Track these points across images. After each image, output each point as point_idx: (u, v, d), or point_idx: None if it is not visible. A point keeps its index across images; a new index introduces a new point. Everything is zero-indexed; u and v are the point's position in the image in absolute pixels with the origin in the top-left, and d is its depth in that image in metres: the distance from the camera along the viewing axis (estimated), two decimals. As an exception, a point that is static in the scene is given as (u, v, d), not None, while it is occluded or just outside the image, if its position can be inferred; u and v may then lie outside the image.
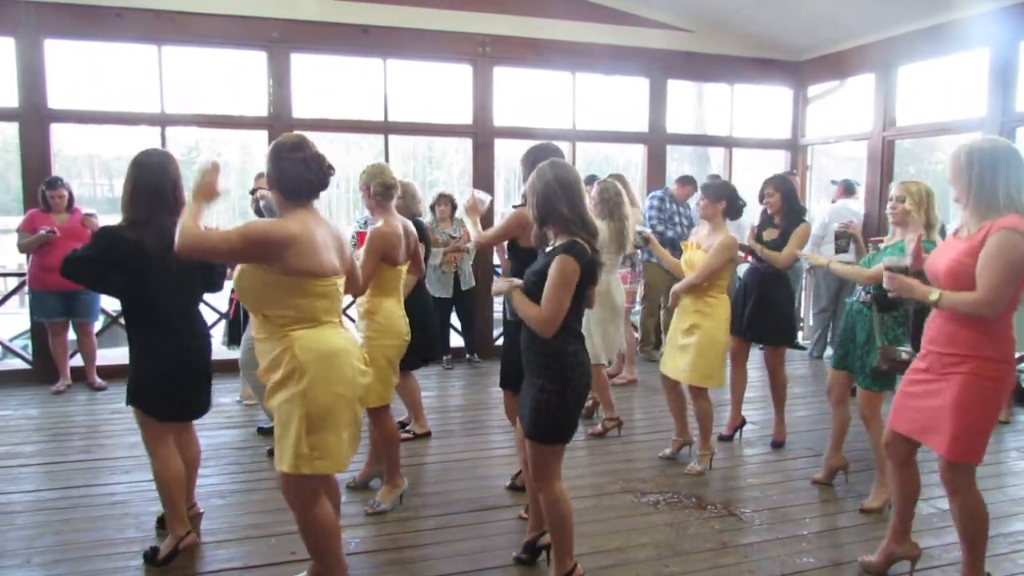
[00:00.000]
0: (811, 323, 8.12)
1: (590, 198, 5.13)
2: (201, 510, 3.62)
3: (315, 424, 2.60)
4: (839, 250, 4.26)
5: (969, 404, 2.71)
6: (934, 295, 2.73)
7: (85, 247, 3.17)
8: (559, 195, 2.78)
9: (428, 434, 5.06)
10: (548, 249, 2.85)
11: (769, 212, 4.75)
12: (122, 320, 6.83)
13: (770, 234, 4.73)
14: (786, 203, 4.68)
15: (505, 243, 4.00)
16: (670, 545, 3.49)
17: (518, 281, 2.86)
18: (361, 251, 3.65)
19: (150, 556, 3.24)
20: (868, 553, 3.30)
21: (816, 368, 7.41)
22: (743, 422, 5.08)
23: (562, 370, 2.78)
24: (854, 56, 7.74)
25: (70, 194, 6.02)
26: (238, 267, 2.69)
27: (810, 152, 8.85)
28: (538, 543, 3.24)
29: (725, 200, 4.37)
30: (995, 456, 4.73)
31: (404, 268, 3.90)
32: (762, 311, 4.79)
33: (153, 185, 3.13)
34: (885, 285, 2.95)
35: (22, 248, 5.98)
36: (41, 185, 5.96)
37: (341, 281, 2.81)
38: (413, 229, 3.97)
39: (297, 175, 2.65)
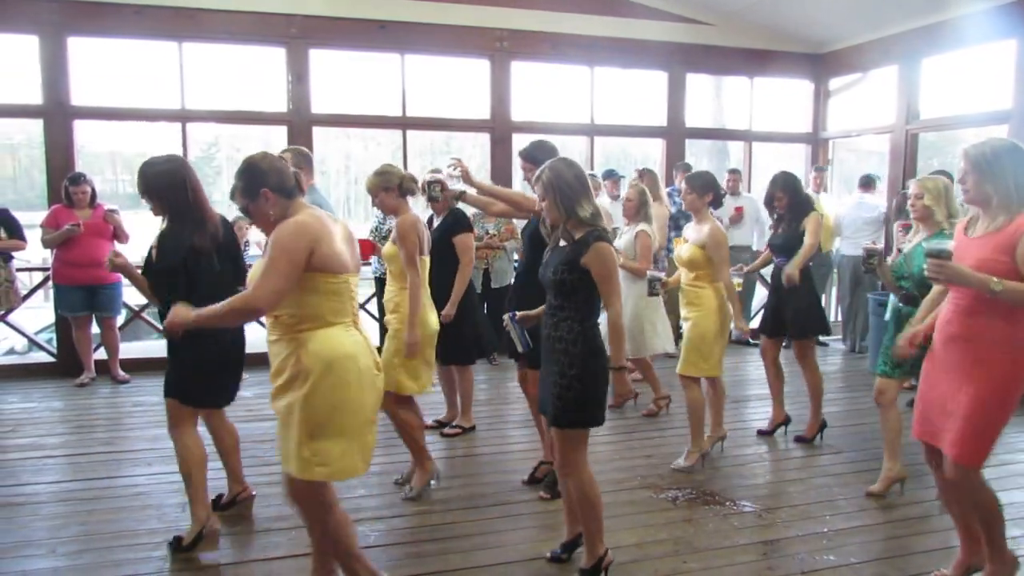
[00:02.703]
0: (839, 317, 8.06)
1: (602, 194, 5.18)
2: (253, 492, 3.77)
3: (315, 430, 2.53)
4: (867, 270, 4.01)
5: (988, 408, 2.67)
6: (996, 285, 2.51)
7: (164, 260, 3.18)
8: (580, 191, 2.90)
9: (473, 428, 5.10)
10: (574, 240, 2.89)
11: (779, 212, 4.76)
12: (145, 314, 6.99)
13: (782, 228, 4.77)
14: (792, 198, 4.68)
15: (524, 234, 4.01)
16: (688, 541, 3.48)
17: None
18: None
19: (174, 545, 3.29)
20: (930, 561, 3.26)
21: (848, 363, 7.33)
22: (787, 419, 4.98)
23: (583, 355, 2.86)
24: (876, 48, 7.63)
25: (93, 190, 6.08)
26: (254, 264, 2.67)
27: (831, 146, 8.75)
28: (580, 539, 3.17)
29: (712, 192, 4.37)
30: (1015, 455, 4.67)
31: (427, 260, 3.97)
32: (782, 305, 4.77)
33: (175, 188, 3.17)
34: (929, 273, 2.63)
35: (46, 243, 6.05)
36: (64, 181, 6.03)
37: (355, 280, 2.71)
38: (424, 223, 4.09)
39: (281, 170, 2.61)
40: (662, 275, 4.67)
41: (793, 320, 4.75)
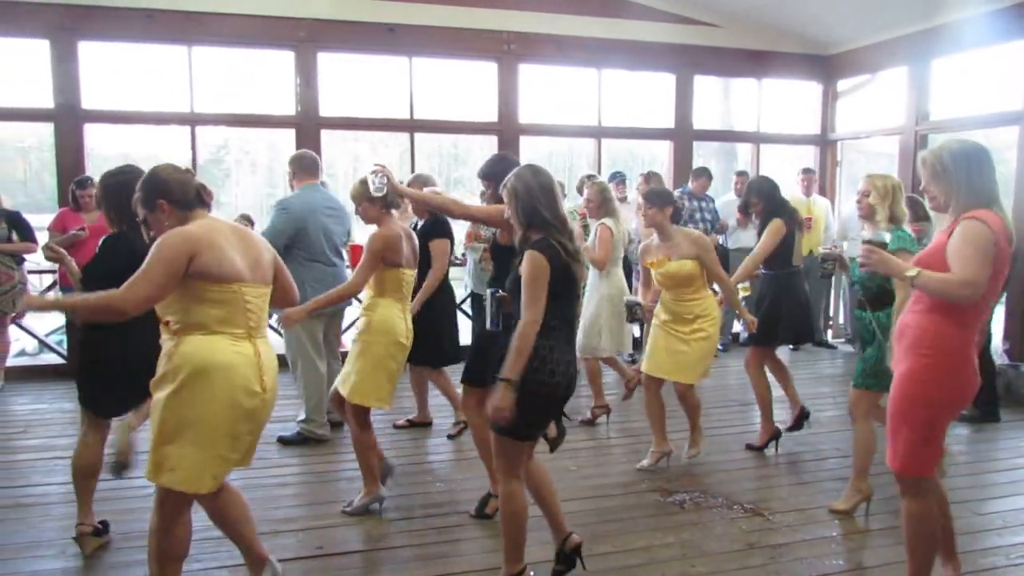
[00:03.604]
0: (845, 319, 8.04)
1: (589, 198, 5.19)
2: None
3: (169, 434, 2.49)
4: (824, 275, 4.02)
5: (901, 408, 2.64)
6: (911, 271, 2.53)
7: (105, 262, 3.23)
8: (540, 200, 2.84)
9: (428, 424, 5.23)
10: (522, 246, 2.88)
11: (756, 220, 4.75)
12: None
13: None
14: (768, 204, 4.66)
15: (488, 244, 4.01)
16: (696, 545, 3.47)
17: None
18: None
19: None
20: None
21: (853, 366, 7.28)
22: (777, 433, 4.83)
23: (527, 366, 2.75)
24: (885, 49, 7.61)
25: None
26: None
27: (840, 147, 8.72)
28: (567, 547, 3.09)
29: (671, 205, 4.39)
30: (998, 463, 4.64)
31: (408, 271, 3.87)
32: (768, 314, 4.72)
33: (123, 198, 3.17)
34: (860, 259, 2.70)
35: (48, 248, 6.08)
36: (71, 185, 6.07)
37: (250, 289, 2.62)
38: (413, 234, 4.06)
39: (184, 181, 2.64)
40: (639, 299, 4.60)
41: (764, 325, 4.66)
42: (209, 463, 2.55)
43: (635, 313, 4.52)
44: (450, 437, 5.01)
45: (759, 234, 4.76)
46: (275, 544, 3.44)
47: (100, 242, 3.33)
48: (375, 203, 3.74)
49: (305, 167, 4.97)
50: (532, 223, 2.86)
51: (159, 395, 2.53)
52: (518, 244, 2.95)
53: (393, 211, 3.85)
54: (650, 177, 6.46)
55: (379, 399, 3.73)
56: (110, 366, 3.21)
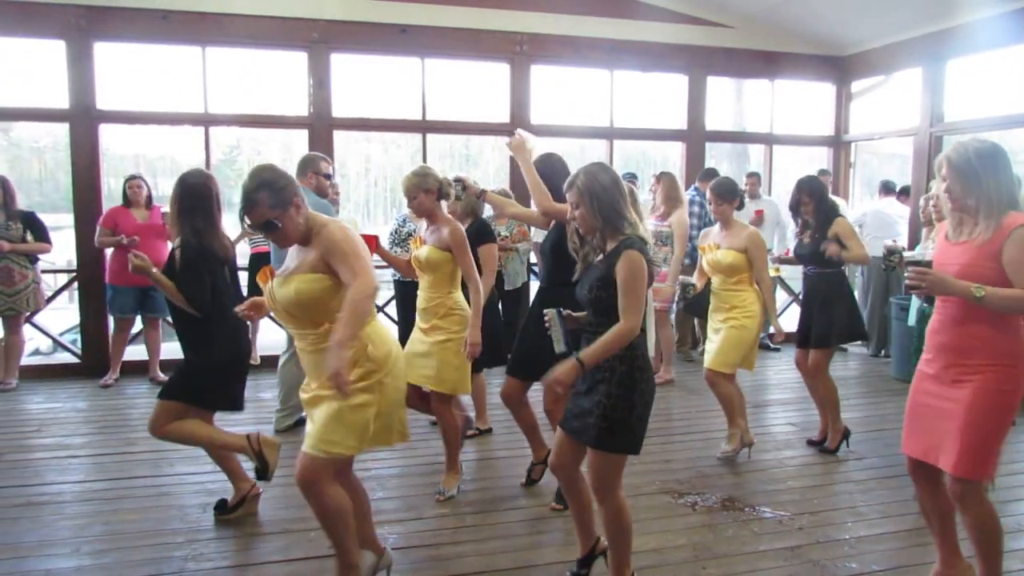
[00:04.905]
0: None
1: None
2: (260, 490, 3.85)
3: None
4: (887, 268, 3.96)
5: (983, 419, 2.62)
6: (979, 291, 2.50)
7: (195, 275, 3.44)
8: (618, 199, 2.74)
9: (489, 430, 5.20)
10: (607, 252, 2.76)
11: (805, 218, 4.68)
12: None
13: (805, 236, 4.69)
14: (819, 204, 4.62)
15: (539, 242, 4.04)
16: (708, 547, 3.45)
17: (569, 364, 2.65)
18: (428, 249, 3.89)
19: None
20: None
21: (870, 368, 7.25)
22: (847, 432, 4.78)
23: (630, 373, 2.70)
24: (900, 50, 7.55)
25: (149, 191, 6.30)
26: (297, 277, 2.63)
27: (853, 148, 8.67)
28: (596, 550, 3.10)
29: (738, 198, 4.55)
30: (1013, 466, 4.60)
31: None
32: (818, 315, 4.66)
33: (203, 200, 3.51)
34: (912, 282, 2.58)
35: (100, 244, 6.20)
36: (124, 181, 6.30)
37: None
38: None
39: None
40: (693, 280, 4.73)
41: (836, 328, 4.60)
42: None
43: (687, 292, 4.64)
44: (464, 437, 5.00)
45: (801, 236, 4.70)
46: (285, 543, 3.46)
47: (180, 248, 3.48)
48: (430, 195, 3.88)
49: (303, 170, 5.01)
50: (609, 223, 2.73)
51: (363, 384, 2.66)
52: (589, 248, 2.85)
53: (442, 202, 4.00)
54: (662, 178, 6.43)
55: (467, 387, 4.07)
56: (243, 363, 3.68)
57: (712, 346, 4.56)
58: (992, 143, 2.67)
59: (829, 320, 4.59)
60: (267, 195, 2.59)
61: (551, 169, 3.84)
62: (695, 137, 8.05)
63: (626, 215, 2.74)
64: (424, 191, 3.84)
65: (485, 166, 21.09)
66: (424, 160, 7.47)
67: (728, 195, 4.50)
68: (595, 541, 3.10)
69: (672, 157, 8.92)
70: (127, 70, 7.71)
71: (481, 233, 4.65)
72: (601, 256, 2.79)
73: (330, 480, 2.68)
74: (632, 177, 7.50)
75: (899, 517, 3.79)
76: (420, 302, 4.00)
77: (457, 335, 3.88)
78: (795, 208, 4.71)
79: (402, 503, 3.93)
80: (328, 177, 5.04)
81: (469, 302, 3.91)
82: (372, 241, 3.86)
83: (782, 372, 6.91)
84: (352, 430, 2.65)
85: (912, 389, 2.89)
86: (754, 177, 7.74)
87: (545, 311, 2.88)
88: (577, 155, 16.27)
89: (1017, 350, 2.64)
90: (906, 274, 2.59)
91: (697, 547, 3.45)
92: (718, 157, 10.63)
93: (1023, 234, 2.52)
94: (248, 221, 2.64)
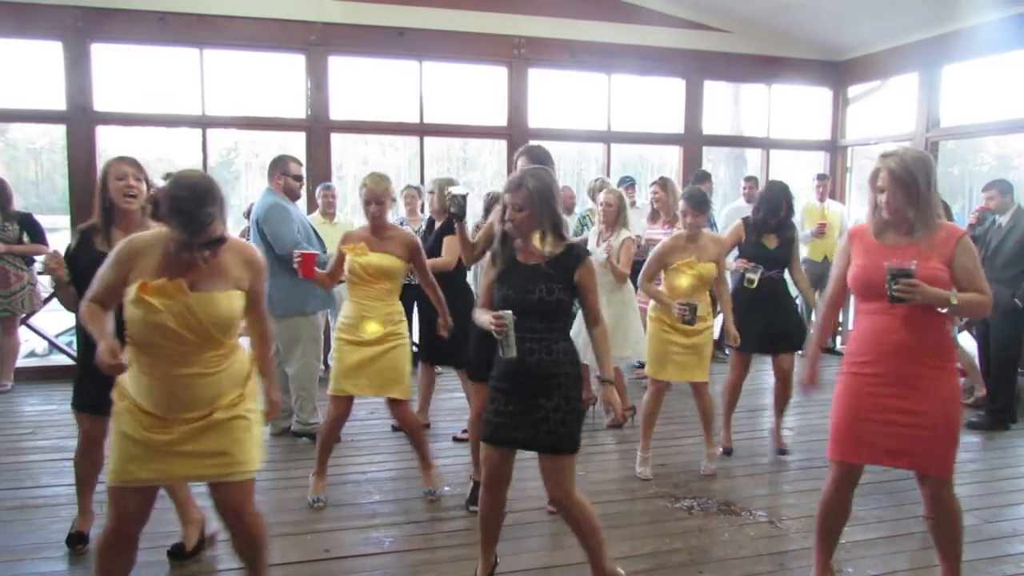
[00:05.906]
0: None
1: (603, 205, 5.12)
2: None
3: None
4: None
5: (955, 419, 2.75)
6: (954, 298, 2.60)
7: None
8: (559, 204, 2.78)
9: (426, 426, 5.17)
10: (555, 256, 2.74)
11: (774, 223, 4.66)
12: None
13: (770, 240, 4.66)
14: (789, 211, 4.67)
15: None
16: (704, 551, 3.45)
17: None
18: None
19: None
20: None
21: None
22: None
23: (578, 374, 2.83)
24: (896, 55, 7.57)
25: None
26: (224, 294, 2.41)
27: (850, 153, 8.70)
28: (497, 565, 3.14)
29: (709, 206, 4.55)
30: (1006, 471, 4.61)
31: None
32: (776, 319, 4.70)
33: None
34: (900, 294, 2.55)
35: None
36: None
37: None
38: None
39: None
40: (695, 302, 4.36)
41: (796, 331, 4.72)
42: None
43: (687, 313, 4.22)
44: (456, 440, 5.00)
45: (760, 232, 4.72)
46: (280, 547, 3.45)
47: None
48: (391, 203, 3.92)
49: (274, 168, 4.87)
50: (557, 228, 2.75)
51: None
52: (510, 251, 2.79)
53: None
54: (666, 183, 6.35)
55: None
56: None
57: (692, 358, 4.38)
58: (923, 152, 2.79)
59: (798, 322, 4.76)
60: (219, 209, 2.33)
61: (538, 160, 3.81)
62: (692, 141, 8.06)
63: (565, 220, 2.81)
64: (392, 199, 3.86)
65: (483, 169, 21.11)
66: (421, 163, 7.48)
67: (705, 205, 4.36)
68: (496, 557, 3.09)
69: (670, 161, 8.94)
70: (124, 72, 7.71)
71: (452, 226, 4.69)
72: (546, 260, 2.73)
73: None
74: (630, 182, 7.49)
75: (894, 522, 3.80)
76: (369, 311, 3.82)
77: (406, 338, 3.93)
78: (778, 211, 4.64)
79: (397, 506, 3.92)
80: (298, 179, 4.87)
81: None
82: (310, 260, 3.89)
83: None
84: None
85: (848, 392, 2.82)
86: (751, 181, 7.75)
87: (502, 312, 2.68)
88: (575, 159, 16.29)
89: (952, 347, 2.82)
90: (895, 286, 2.57)
91: (693, 551, 3.45)
92: (715, 161, 10.65)
93: (969, 243, 2.70)
94: (200, 239, 2.28)
